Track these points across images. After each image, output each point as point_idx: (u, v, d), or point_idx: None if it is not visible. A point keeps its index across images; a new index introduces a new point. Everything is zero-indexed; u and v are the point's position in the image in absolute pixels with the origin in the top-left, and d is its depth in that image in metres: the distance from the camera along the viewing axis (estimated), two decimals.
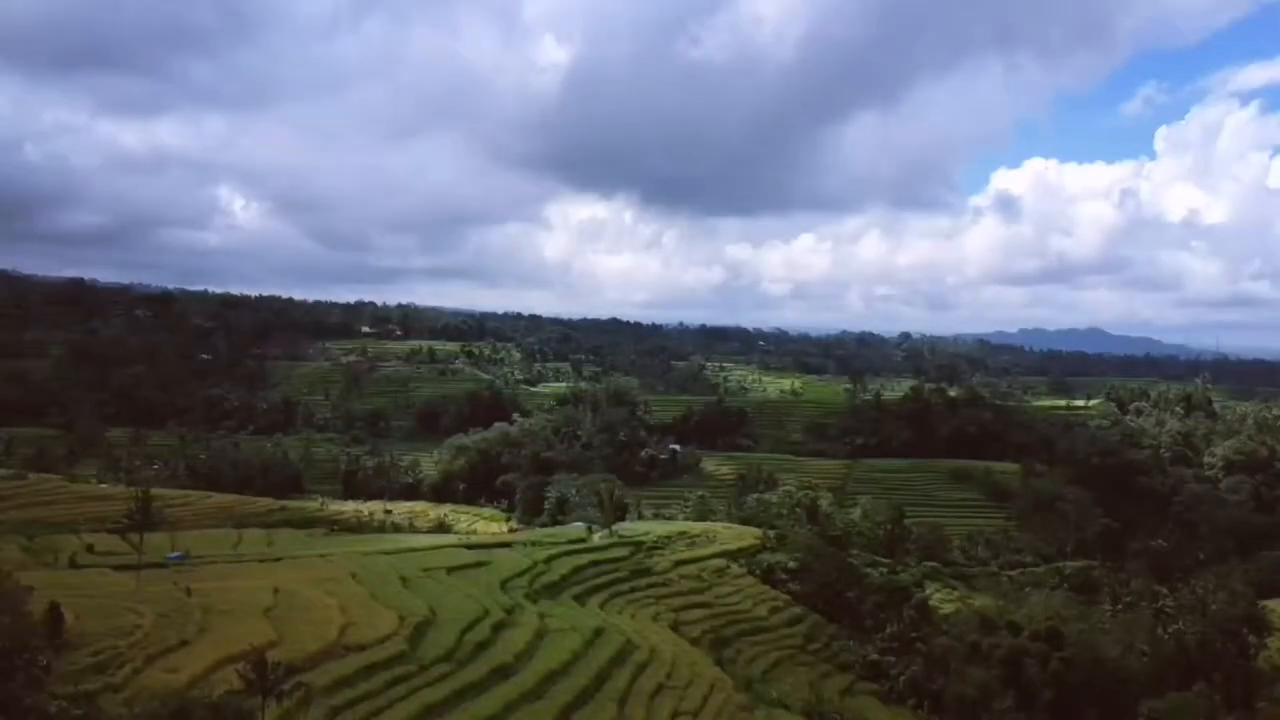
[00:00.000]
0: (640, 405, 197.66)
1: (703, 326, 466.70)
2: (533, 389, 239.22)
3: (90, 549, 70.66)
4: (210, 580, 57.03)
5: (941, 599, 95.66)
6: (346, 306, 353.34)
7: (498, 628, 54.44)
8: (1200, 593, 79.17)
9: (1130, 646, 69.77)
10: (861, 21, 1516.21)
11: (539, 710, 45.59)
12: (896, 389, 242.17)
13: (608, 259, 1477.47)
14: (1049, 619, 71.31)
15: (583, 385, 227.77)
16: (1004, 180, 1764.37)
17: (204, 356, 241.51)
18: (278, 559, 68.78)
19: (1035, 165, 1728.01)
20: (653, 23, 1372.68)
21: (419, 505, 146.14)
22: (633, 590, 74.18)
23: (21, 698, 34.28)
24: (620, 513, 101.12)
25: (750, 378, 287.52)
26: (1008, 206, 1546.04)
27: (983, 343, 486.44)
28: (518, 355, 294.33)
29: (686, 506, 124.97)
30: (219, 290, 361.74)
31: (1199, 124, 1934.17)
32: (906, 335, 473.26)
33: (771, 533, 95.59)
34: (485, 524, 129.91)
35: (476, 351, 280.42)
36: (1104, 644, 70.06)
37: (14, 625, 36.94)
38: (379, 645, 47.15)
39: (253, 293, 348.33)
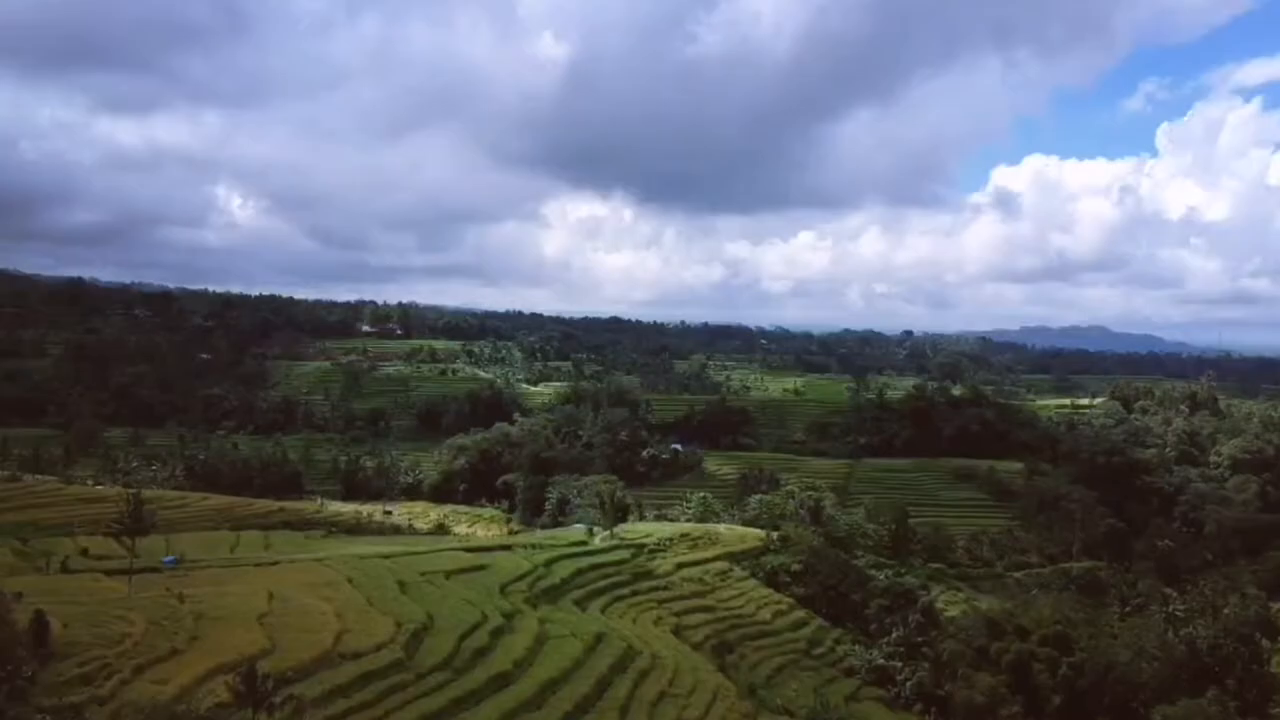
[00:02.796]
0: (642, 405, 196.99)
1: (704, 325, 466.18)
2: (534, 388, 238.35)
3: (85, 553, 69.52)
4: (204, 585, 55.86)
5: (947, 601, 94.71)
6: (346, 305, 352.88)
7: (496, 634, 53.32)
8: (1210, 595, 78.15)
9: (1140, 651, 68.54)
10: (859, 17, 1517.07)
11: None
12: (899, 387, 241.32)
13: (607, 257, 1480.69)
14: (1057, 623, 70.18)
15: (584, 384, 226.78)
16: (1004, 177, 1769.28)
17: (203, 356, 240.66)
18: (274, 562, 67.50)
19: (1035, 162, 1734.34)
20: (650, 19, 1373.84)
21: (418, 506, 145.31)
22: (634, 594, 72.95)
23: (5, 710, 33.33)
24: (622, 514, 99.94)
25: (752, 377, 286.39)
26: (1008, 203, 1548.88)
27: (985, 340, 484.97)
28: (519, 354, 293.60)
29: (688, 507, 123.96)
30: (218, 289, 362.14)
31: (1200, 121, 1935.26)
32: (909, 333, 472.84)
33: (775, 534, 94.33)
34: (485, 525, 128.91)
35: (477, 351, 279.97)
36: (1114, 648, 68.92)
37: None
38: (375, 653, 45.96)
39: (252, 291, 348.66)
